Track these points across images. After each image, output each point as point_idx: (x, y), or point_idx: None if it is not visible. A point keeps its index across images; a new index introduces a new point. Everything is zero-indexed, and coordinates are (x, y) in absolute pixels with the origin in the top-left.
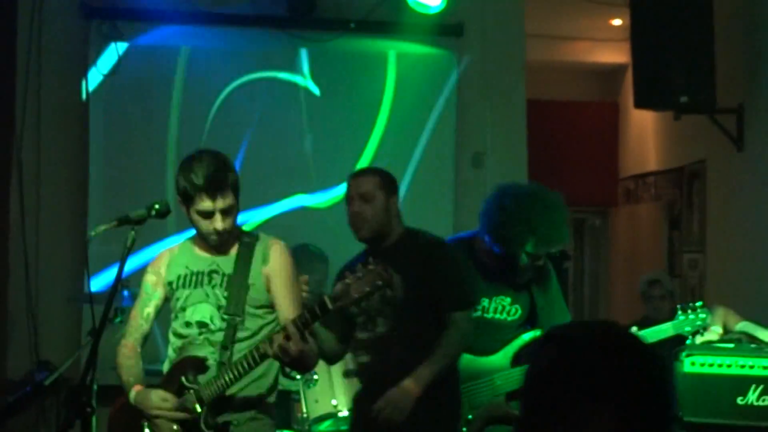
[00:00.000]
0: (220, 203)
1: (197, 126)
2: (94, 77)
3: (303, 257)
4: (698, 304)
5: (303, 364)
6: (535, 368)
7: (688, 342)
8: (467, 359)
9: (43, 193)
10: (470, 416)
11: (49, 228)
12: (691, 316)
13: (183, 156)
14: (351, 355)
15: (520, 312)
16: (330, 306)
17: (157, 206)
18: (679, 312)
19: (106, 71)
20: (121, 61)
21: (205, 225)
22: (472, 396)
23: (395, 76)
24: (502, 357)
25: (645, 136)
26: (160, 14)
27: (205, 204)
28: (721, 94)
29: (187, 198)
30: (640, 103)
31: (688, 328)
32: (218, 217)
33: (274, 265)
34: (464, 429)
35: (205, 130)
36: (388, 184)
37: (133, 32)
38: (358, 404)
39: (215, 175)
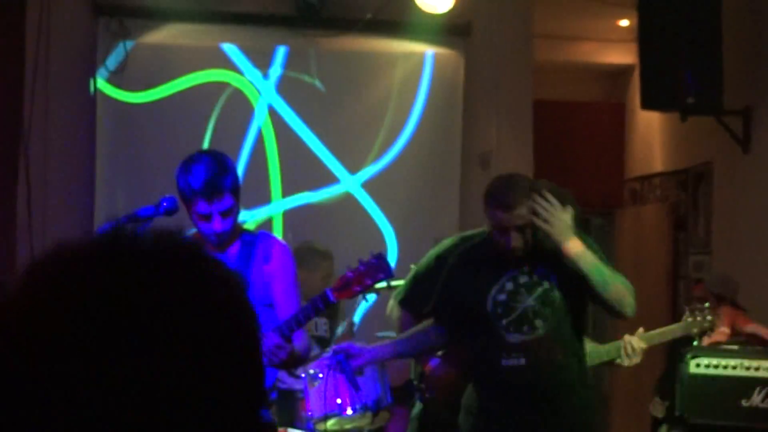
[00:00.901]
0: (218, 206)
1: (204, 123)
2: (102, 74)
3: (307, 255)
4: (706, 305)
5: (290, 365)
6: None
7: (694, 343)
8: None
9: (50, 190)
10: None
11: (57, 225)
12: (699, 318)
13: (190, 151)
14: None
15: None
16: (332, 299)
17: (165, 204)
18: (687, 313)
19: (114, 68)
20: (129, 58)
21: (204, 226)
22: None
23: (402, 76)
24: None
25: (651, 137)
26: (168, 12)
27: (203, 207)
28: (728, 95)
29: (186, 200)
30: (646, 104)
31: (695, 330)
32: (217, 218)
33: (275, 265)
34: None
35: (211, 127)
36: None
37: (142, 30)
38: (507, 404)
39: (212, 178)
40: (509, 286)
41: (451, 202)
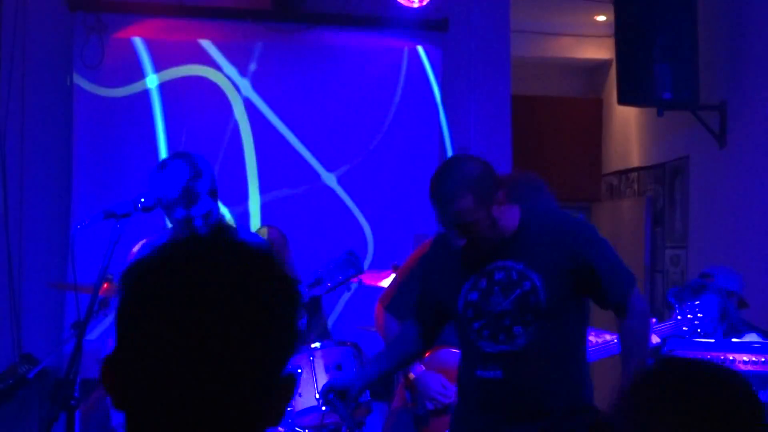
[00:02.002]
0: (195, 211)
1: (181, 119)
2: (79, 69)
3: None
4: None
5: None
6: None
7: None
8: None
9: (27, 185)
10: None
11: (34, 222)
12: (690, 315)
13: (169, 148)
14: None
15: None
16: (304, 294)
17: (142, 200)
18: (676, 311)
19: (90, 63)
20: (106, 53)
21: (182, 231)
22: None
23: (380, 71)
24: None
25: (628, 131)
26: (145, 7)
27: (181, 213)
28: (704, 90)
29: (164, 207)
30: (623, 100)
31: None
32: (197, 222)
33: None
34: None
35: (188, 123)
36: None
37: (118, 25)
38: (483, 417)
39: (187, 185)
40: (482, 283)
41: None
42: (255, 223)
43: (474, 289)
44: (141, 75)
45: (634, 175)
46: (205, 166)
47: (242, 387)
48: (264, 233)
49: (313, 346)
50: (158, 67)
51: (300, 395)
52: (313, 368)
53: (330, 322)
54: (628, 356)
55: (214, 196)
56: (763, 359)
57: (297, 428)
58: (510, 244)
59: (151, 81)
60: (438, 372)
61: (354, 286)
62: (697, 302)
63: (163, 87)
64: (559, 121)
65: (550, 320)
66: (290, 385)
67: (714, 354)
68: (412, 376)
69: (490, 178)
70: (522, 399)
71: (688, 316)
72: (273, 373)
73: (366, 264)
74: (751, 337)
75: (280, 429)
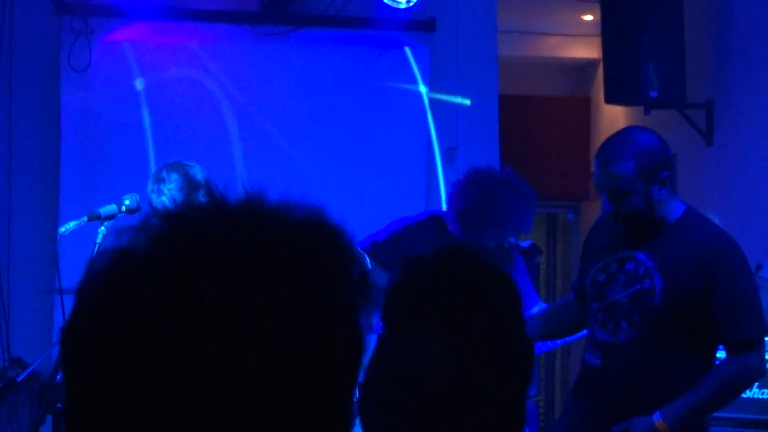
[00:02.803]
0: None
1: (170, 121)
2: (67, 73)
3: None
4: None
5: None
6: (389, 285)
7: None
8: None
9: (15, 191)
10: None
11: (21, 225)
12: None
13: (156, 151)
14: None
15: None
16: None
17: (127, 202)
18: None
19: (78, 67)
20: (93, 57)
21: None
22: None
23: (366, 71)
24: None
25: (616, 130)
26: (133, 10)
27: None
28: (691, 89)
29: None
30: (610, 99)
31: None
32: None
33: None
34: None
35: (176, 125)
36: None
37: (106, 28)
38: (578, 403)
39: (185, 198)
40: (613, 267)
41: (418, 197)
42: None
43: (603, 270)
44: (129, 78)
45: None
46: (200, 176)
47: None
48: None
49: None
50: (146, 70)
51: None
52: None
53: None
54: (698, 388)
55: None
56: None
57: None
58: (654, 237)
59: (139, 84)
60: None
61: None
62: None
63: (150, 90)
64: (547, 120)
65: (657, 327)
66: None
67: None
68: None
69: (662, 155)
70: (611, 392)
71: None
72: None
73: None
74: None
75: None
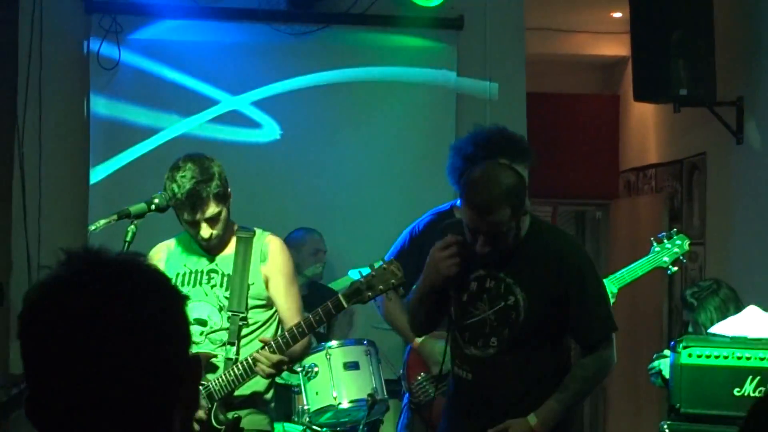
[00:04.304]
0: (203, 214)
1: (198, 120)
2: (95, 71)
3: (291, 233)
4: (673, 231)
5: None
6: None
7: (669, 272)
8: None
9: (44, 189)
10: None
11: (52, 223)
12: (668, 245)
13: (186, 149)
14: (355, 347)
15: None
16: (345, 305)
17: (156, 200)
18: (654, 244)
19: (106, 65)
20: (122, 55)
21: (193, 233)
22: None
23: (394, 71)
24: None
25: (645, 128)
26: (161, 8)
27: (188, 216)
28: (721, 86)
29: (174, 208)
30: (639, 96)
31: (666, 258)
32: (204, 226)
33: (272, 263)
34: None
35: (203, 125)
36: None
37: (134, 27)
38: (453, 419)
39: (195, 188)
40: (473, 286)
41: (446, 197)
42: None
43: (467, 291)
44: (157, 76)
45: (652, 171)
46: (214, 169)
47: (139, 383)
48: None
49: (329, 344)
50: (174, 69)
51: (317, 393)
52: (329, 366)
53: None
54: (566, 386)
55: (223, 200)
56: None
57: (315, 427)
58: (509, 256)
59: (167, 82)
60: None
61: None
62: None
63: (178, 88)
64: (576, 118)
65: (524, 338)
66: (194, 368)
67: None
68: (416, 342)
69: (524, 189)
70: (484, 401)
71: None
72: (167, 365)
73: None
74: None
75: (298, 427)
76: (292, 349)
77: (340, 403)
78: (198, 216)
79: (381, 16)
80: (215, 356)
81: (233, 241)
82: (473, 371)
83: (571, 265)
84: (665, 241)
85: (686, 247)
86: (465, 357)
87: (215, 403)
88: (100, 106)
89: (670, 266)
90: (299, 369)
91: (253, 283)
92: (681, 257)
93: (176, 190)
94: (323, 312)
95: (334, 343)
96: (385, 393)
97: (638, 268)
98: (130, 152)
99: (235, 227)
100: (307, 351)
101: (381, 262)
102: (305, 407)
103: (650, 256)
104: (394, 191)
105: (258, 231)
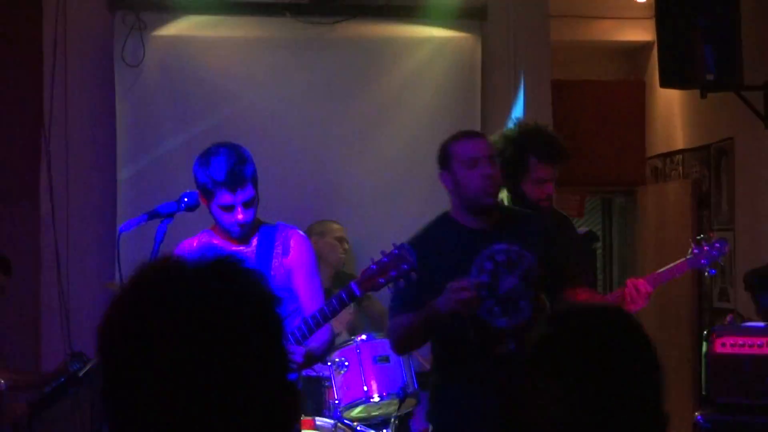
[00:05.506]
0: (241, 196)
1: (224, 116)
2: (120, 69)
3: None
4: (713, 236)
5: (306, 366)
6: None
7: (706, 274)
8: None
9: (72, 185)
10: None
11: (80, 221)
12: (706, 248)
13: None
14: (384, 341)
15: None
16: (358, 293)
17: (186, 199)
18: (693, 245)
19: (131, 62)
20: (146, 52)
21: (227, 218)
22: None
23: (419, 61)
24: None
25: (672, 114)
26: (184, 4)
27: (226, 198)
28: (748, 71)
29: (208, 193)
30: (665, 82)
31: (704, 261)
32: (239, 209)
33: (294, 256)
34: None
35: (229, 119)
36: None
37: (158, 23)
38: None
39: (234, 169)
40: (488, 265)
41: None
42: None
43: (482, 271)
44: (182, 72)
45: (679, 157)
46: (248, 154)
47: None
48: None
49: (359, 338)
50: (198, 64)
51: (348, 388)
52: (359, 360)
53: None
54: None
55: (256, 185)
56: None
57: (345, 420)
58: (498, 231)
59: (192, 78)
60: None
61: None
62: None
63: (203, 83)
64: (602, 104)
65: (538, 295)
66: (292, 392)
67: None
68: None
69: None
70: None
71: None
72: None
73: None
74: None
75: (329, 422)
76: (311, 342)
77: (370, 397)
78: (237, 197)
79: (404, 7)
80: None
81: (256, 234)
82: (515, 340)
83: (543, 226)
84: (704, 244)
85: (725, 251)
86: (501, 331)
87: None
88: (126, 103)
89: (708, 269)
90: (329, 362)
91: (275, 276)
92: (720, 261)
93: (214, 172)
94: (336, 301)
95: (363, 337)
96: (416, 385)
97: (676, 269)
98: (157, 148)
99: (259, 221)
100: (330, 344)
101: (394, 249)
102: (336, 401)
103: (690, 257)
104: (421, 183)
105: (280, 224)
